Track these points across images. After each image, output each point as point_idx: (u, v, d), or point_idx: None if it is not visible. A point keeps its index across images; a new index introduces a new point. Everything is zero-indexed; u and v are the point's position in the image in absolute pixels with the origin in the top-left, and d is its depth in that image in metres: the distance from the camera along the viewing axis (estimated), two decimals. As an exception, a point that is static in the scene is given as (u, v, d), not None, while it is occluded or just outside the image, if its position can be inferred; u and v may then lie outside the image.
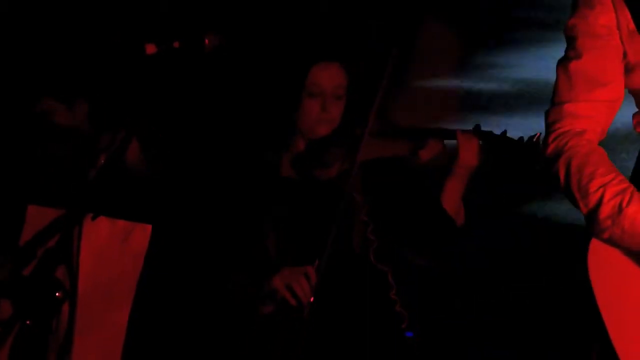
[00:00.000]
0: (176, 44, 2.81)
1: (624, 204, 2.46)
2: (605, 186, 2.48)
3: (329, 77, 3.24)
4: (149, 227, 3.16)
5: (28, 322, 2.73)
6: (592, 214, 2.49)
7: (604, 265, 2.50)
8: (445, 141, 3.24)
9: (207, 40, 2.84)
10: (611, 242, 2.49)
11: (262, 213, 3.20)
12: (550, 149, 2.58)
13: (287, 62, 3.33)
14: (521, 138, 3.19)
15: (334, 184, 3.22)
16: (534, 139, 3.15)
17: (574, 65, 2.60)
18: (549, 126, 2.62)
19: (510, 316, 3.93)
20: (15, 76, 3.78)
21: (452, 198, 3.21)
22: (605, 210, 2.47)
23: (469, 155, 3.18)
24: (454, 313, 3.99)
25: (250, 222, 3.19)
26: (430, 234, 3.24)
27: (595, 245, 2.51)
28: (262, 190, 3.22)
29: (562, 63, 2.62)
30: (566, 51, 2.63)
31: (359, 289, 3.19)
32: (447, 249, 3.35)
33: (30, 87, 3.70)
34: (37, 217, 3.06)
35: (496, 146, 3.20)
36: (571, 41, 2.62)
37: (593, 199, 2.49)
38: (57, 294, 2.81)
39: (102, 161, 3.06)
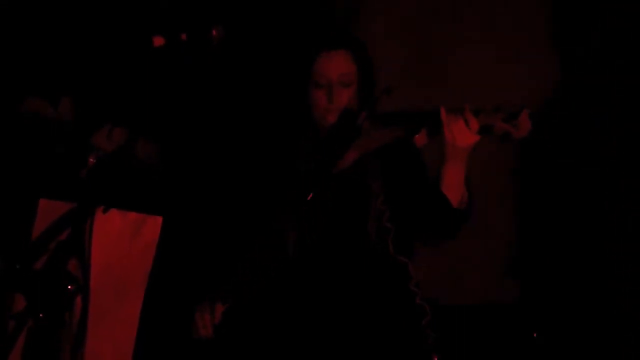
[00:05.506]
0: (183, 36, 2.81)
1: None
2: None
3: (334, 66, 3.16)
4: (160, 219, 3.17)
5: (41, 315, 2.75)
6: None
7: None
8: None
9: (214, 32, 2.84)
10: None
11: (281, 210, 3.15)
12: None
13: (293, 54, 3.27)
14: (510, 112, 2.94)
15: (349, 174, 3.17)
16: (519, 111, 2.91)
17: None
18: None
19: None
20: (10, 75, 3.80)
21: (451, 182, 3.02)
22: None
23: (455, 135, 2.98)
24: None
25: (269, 218, 3.16)
26: (429, 220, 3.07)
27: None
28: (278, 185, 3.18)
29: None
30: None
31: (377, 281, 3.15)
32: (452, 237, 3.22)
33: (17, 86, 3.72)
34: (49, 210, 3.07)
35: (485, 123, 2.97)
36: None
37: None
38: (69, 287, 2.82)
39: (93, 161, 3.08)
